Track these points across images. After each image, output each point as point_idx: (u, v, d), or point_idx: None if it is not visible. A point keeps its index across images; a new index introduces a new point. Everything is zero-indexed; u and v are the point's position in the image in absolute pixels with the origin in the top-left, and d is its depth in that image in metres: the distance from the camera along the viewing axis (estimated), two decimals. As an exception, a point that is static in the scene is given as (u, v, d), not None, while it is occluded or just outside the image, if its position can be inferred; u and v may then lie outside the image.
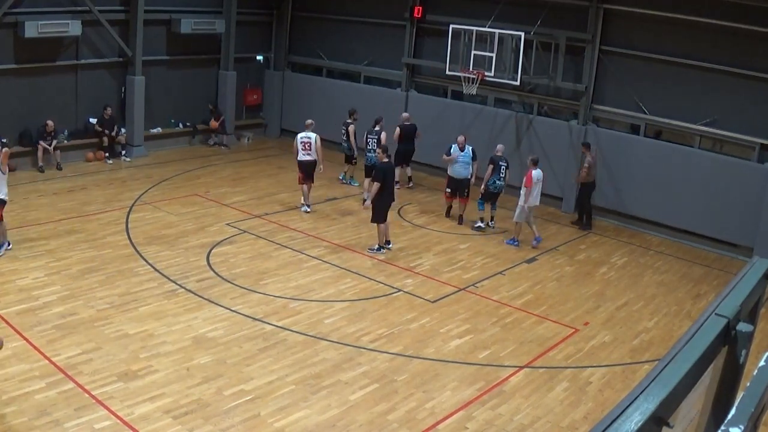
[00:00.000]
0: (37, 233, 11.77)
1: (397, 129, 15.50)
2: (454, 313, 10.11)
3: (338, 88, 19.13)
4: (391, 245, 12.32)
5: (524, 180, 12.91)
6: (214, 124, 18.85)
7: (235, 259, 11.45)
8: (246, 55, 19.76)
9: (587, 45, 14.87)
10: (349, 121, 15.69)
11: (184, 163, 17.11)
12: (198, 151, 18.57)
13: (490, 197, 13.74)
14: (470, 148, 13.76)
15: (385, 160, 12.06)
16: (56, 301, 9.32)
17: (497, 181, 13.51)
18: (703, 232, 13.84)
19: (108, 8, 16.26)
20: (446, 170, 14.34)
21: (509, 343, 9.31)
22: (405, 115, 15.98)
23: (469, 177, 13.82)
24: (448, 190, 14.06)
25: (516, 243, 13.05)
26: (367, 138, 15.07)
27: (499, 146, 13.95)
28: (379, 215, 11.97)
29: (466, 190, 13.87)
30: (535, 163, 12.97)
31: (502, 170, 13.49)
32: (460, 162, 13.66)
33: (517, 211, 12.96)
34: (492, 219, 13.91)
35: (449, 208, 14.33)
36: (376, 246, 12.15)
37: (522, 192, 12.86)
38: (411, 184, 16.32)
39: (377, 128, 14.98)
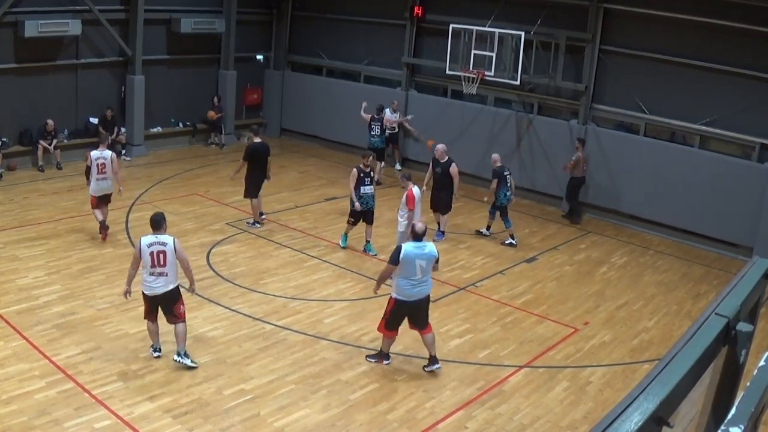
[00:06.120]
0: (37, 233, 11.77)
1: (430, 167, 13.04)
2: (454, 312, 10.11)
3: (338, 87, 19.13)
4: (264, 216, 13.13)
5: (404, 200, 10.84)
6: (212, 114, 18.71)
7: (235, 258, 11.45)
8: (246, 54, 19.75)
9: (587, 45, 14.87)
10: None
11: (184, 163, 17.10)
12: (198, 150, 18.56)
13: (502, 210, 13.02)
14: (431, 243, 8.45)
15: (257, 140, 12.73)
16: (56, 301, 9.32)
17: (507, 193, 12.90)
18: (703, 232, 13.84)
19: (108, 8, 16.25)
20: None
21: (509, 343, 9.32)
22: (440, 146, 12.93)
23: (429, 294, 8.29)
24: (389, 316, 8.17)
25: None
26: (371, 124, 16.07)
27: (495, 155, 13.12)
28: (250, 191, 12.75)
29: (425, 316, 8.30)
30: (409, 179, 11.31)
31: (508, 180, 12.86)
32: (422, 266, 7.95)
33: (399, 238, 10.89)
34: (512, 236, 13.05)
35: (385, 354, 8.45)
36: (252, 220, 12.89)
37: (403, 215, 10.90)
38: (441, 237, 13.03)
39: (380, 116, 16.10)
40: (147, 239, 7.77)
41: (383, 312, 8.29)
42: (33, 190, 14.22)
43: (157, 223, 7.88)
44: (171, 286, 7.81)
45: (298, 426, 7.11)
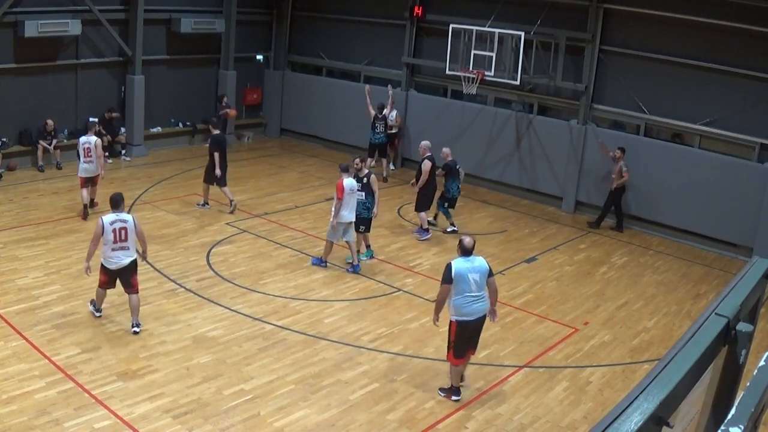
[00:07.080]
0: (36, 232, 11.76)
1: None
2: (454, 312, 10.09)
3: (338, 87, 19.13)
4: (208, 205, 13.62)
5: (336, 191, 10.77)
6: (233, 112, 18.58)
7: (234, 258, 11.44)
8: (246, 54, 19.75)
9: (587, 45, 14.87)
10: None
11: (183, 163, 17.09)
12: (198, 150, 18.52)
13: (452, 203, 13.28)
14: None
15: (216, 131, 13.49)
16: (56, 301, 9.32)
17: (458, 186, 13.18)
18: (703, 232, 13.84)
19: (108, 8, 16.25)
20: None
21: (509, 343, 9.31)
22: (423, 143, 13.21)
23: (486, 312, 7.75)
24: (455, 340, 7.60)
25: (324, 264, 11.23)
26: (374, 123, 16.48)
27: (446, 149, 13.16)
28: (222, 179, 13.31)
29: (479, 337, 7.90)
30: (345, 170, 10.88)
31: (460, 174, 13.08)
32: (476, 281, 7.55)
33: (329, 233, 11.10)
34: (433, 221, 13.47)
35: (456, 389, 7.83)
36: (202, 202, 13.61)
37: (334, 206, 10.83)
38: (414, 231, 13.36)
39: (382, 114, 16.56)
40: (108, 217, 8.52)
41: (447, 342, 7.73)
42: (33, 190, 14.21)
43: (117, 203, 8.69)
44: (132, 257, 8.64)
45: (298, 426, 7.11)
